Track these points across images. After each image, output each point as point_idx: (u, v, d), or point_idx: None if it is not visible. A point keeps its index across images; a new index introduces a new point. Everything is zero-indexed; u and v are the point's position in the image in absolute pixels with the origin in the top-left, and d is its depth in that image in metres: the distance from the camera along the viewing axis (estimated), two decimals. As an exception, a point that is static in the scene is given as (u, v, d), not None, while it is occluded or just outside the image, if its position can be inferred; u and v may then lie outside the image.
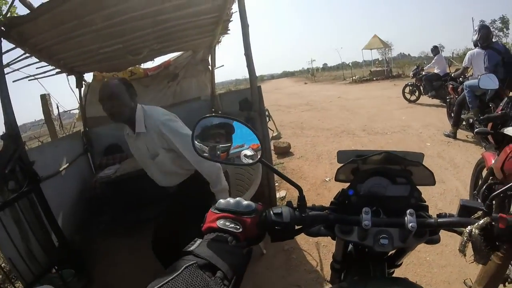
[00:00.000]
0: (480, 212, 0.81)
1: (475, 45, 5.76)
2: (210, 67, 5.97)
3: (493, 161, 2.57)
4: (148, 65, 5.59)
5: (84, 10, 2.85)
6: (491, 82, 2.94)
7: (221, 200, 0.83)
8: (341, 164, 0.93)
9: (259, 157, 0.94)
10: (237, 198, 0.84)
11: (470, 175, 3.17)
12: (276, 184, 4.53)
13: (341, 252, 0.99)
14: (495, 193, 0.83)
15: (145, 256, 3.21)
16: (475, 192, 2.97)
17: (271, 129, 4.47)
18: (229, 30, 4.52)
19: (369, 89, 17.30)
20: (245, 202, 0.83)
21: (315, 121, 9.57)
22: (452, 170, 4.54)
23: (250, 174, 2.85)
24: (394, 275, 1.04)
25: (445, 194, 3.81)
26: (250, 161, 0.96)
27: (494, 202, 0.81)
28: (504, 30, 35.76)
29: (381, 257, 0.89)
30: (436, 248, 2.71)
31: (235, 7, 3.52)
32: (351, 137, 7.18)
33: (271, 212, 0.83)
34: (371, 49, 29.31)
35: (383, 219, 0.84)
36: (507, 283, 1.97)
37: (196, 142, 0.96)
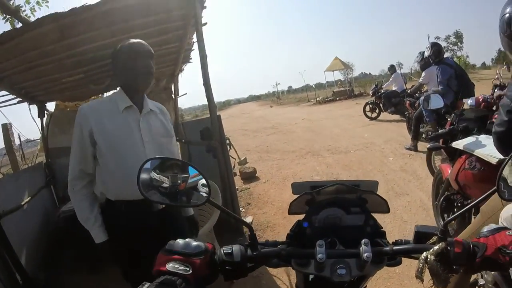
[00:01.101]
0: (435, 238, 0.83)
1: (421, 65, 6.25)
2: (173, 95, 5.98)
3: (448, 172, 2.70)
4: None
5: (45, 40, 2.82)
6: (438, 101, 3.09)
7: (171, 242, 0.83)
8: (296, 196, 0.94)
9: (206, 197, 0.93)
10: (187, 239, 0.84)
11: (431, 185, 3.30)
12: (243, 210, 4.55)
13: (303, 282, 0.97)
14: (448, 219, 0.87)
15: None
16: (436, 203, 3.09)
17: (232, 157, 4.50)
18: (191, 58, 4.59)
19: (332, 109, 17.82)
20: (194, 243, 0.83)
21: (280, 144, 9.67)
22: (415, 182, 4.71)
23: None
24: None
25: (410, 206, 3.93)
26: (201, 201, 0.94)
27: (448, 223, 0.85)
28: (458, 44, 37.97)
29: (342, 285, 0.87)
30: (405, 260, 2.76)
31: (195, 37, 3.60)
32: (316, 157, 7.32)
33: (222, 251, 0.84)
34: (333, 71, 30.29)
35: (338, 251, 0.85)
36: (476, 287, 1.99)
37: (153, 173, 0.94)
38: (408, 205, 3.97)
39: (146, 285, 0.71)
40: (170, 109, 6.00)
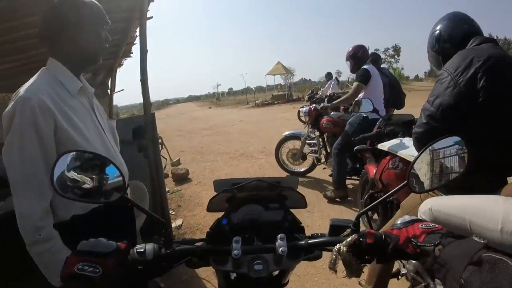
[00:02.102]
0: (348, 230, 0.86)
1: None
2: (109, 91, 5.70)
3: (374, 172, 2.86)
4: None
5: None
6: (367, 105, 3.26)
7: (83, 242, 0.78)
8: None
9: (121, 193, 0.88)
10: (99, 238, 0.79)
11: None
12: (173, 213, 4.45)
13: (224, 281, 0.96)
14: (360, 212, 0.90)
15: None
16: (361, 200, 3.26)
17: (164, 157, 4.39)
18: (132, 53, 4.42)
19: (270, 112, 18.13)
20: (105, 242, 0.78)
21: (215, 146, 9.60)
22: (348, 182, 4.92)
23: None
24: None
25: (338, 206, 4.17)
26: (114, 197, 0.88)
27: (361, 219, 0.88)
28: (396, 56, 40.74)
29: (262, 281, 0.86)
30: (330, 256, 2.88)
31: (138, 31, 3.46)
32: (249, 159, 7.40)
33: (134, 250, 0.80)
34: (274, 75, 30.90)
35: (254, 246, 0.86)
36: (399, 276, 2.12)
37: (73, 173, 0.86)
38: (336, 204, 4.20)
39: None
40: (105, 105, 5.71)
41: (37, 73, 1.33)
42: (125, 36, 3.72)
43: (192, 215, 4.45)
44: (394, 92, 5.70)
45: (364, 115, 4.02)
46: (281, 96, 26.16)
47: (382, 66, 6.30)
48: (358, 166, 4.46)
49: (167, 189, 4.81)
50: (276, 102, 24.84)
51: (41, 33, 1.36)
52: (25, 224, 1.24)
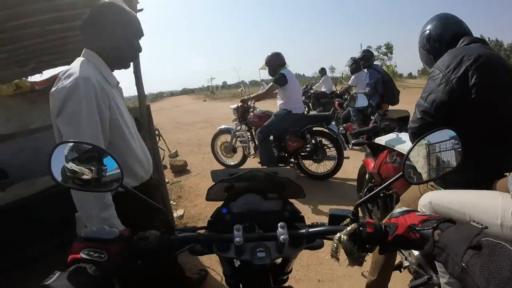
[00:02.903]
0: (348, 220, 0.89)
1: (352, 68, 6.77)
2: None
3: (372, 166, 2.92)
4: (36, 78, 5.11)
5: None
6: (362, 100, 3.34)
7: (87, 229, 0.80)
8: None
9: (119, 183, 0.89)
10: (103, 226, 0.82)
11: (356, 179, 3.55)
12: (174, 203, 4.50)
13: (228, 268, 1.00)
14: (358, 202, 0.93)
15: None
16: (361, 193, 3.32)
17: (162, 149, 4.43)
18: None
19: (264, 106, 17.98)
20: (109, 229, 0.81)
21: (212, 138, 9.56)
22: (342, 175, 5.02)
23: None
24: (293, 276, 1.10)
25: (336, 198, 4.21)
26: (114, 186, 0.90)
27: (362, 206, 0.94)
28: (388, 54, 40.69)
29: (265, 269, 0.91)
30: (331, 244, 2.94)
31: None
32: (246, 151, 7.40)
33: (138, 237, 0.83)
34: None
35: (256, 234, 0.89)
36: (402, 269, 2.18)
37: (72, 164, 0.87)
38: (335, 196, 4.27)
39: (57, 274, 0.68)
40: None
41: (76, 61, 1.52)
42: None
43: (193, 206, 4.50)
44: (387, 88, 5.84)
45: (289, 109, 4.88)
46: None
47: (374, 63, 6.40)
48: (283, 154, 5.05)
49: (166, 180, 4.84)
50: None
51: (83, 25, 1.56)
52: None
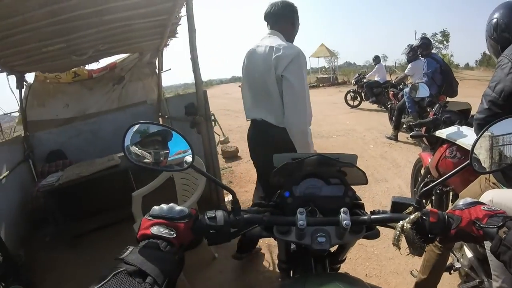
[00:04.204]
0: (411, 208, 0.85)
1: (409, 57, 6.42)
2: (157, 70, 5.85)
3: (429, 161, 2.76)
4: (93, 66, 5.31)
5: (26, 5, 2.69)
6: (423, 91, 3.15)
7: (155, 207, 0.83)
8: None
9: (190, 162, 0.93)
10: (170, 204, 0.84)
11: (411, 173, 3.39)
12: (225, 188, 4.56)
13: (284, 252, 1.01)
14: (428, 186, 0.90)
15: (93, 269, 3.06)
16: (415, 189, 3.17)
17: (217, 134, 4.52)
18: (178, 33, 4.46)
19: (316, 95, 17.75)
20: (178, 208, 0.83)
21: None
22: (394, 169, 4.81)
23: (195, 179, 2.82)
24: (341, 269, 1.08)
25: (388, 192, 4.02)
26: (183, 166, 0.95)
27: (424, 197, 0.88)
28: (444, 42, 38.41)
29: (322, 254, 0.92)
30: (382, 242, 2.86)
31: (184, 11, 3.51)
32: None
33: (205, 216, 0.84)
34: (318, 57, 30.23)
35: (318, 218, 0.87)
36: (452, 271, 2.10)
37: (134, 147, 0.92)
38: (387, 191, 4.06)
39: (130, 249, 0.70)
40: (153, 84, 5.92)
41: (269, 37, 2.21)
42: (170, 16, 3.76)
43: (244, 191, 4.54)
44: (446, 79, 5.47)
45: None
46: (326, 79, 25.47)
47: (432, 52, 6.03)
48: None
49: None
50: (321, 85, 24.25)
51: (277, 13, 2.24)
52: (307, 120, 2.07)
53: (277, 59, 2.02)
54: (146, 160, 0.93)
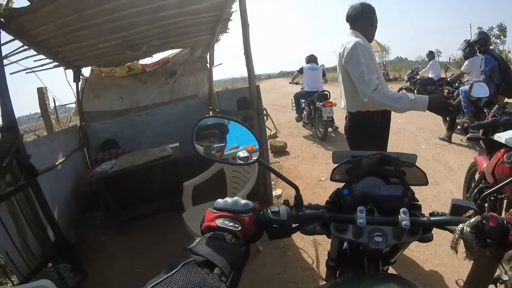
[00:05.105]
0: (471, 211, 0.84)
1: (465, 53, 6.04)
2: (208, 65, 5.97)
3: (484, 165, 2.61)
4: (147, 61, 5.58)
5: (85, 3, 2.85)
6: (482, 90, 2.98)
7: (219, 200, 0.84)
8: (336, 165, 0.95)
9: (257, 157, 0.95)
10: (235, 198, 0.85)
11: (463, 178, 3.22)
12: (272, 182, 4.56)
13: (336, 250, 1.01)
14: (486, 192, 0.87)
15: (140, 253, 3.25)
16: (468, 195, 3.01)
17: (268, 128, 4.55)
18: (229, 28, 4.54)
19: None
20: (243, 201, 0.84)
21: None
22: (446, 173, 4.59)
23: (246, 172, 2.87)
24: (388, 272, 1.06)
25: (439, 196, 3.84)
26: (248, 161, 0.97)
27: (485, 202, 0.84)
28: (502, 37, 35.90)
29: (375, 255, 0.91)
30: (430, 248, 2.77)
31: (235, 7, 3.54)
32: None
33: (269, 210, 0.84)
34: (369, 52, 29.50)
35: (377, 218, 0.86)
36: (498, 283, 2.00)
37: (200, 141, 0.96)
38: (437, 195, 3.87)
39: (197, 239, 0.72)
40: (204, 78, 6.06)
41: (350, 36, 2.48)
42: (222, 12, 3.83)
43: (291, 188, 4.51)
44: (506, 78, 5.09)
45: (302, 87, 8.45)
46: (377, 75, 24.84)
47: (490, 48, 5.64)
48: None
49: (268, 159, 4.95)
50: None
51: (354, 16, 2.53)
52: (373, 83, 2.24)
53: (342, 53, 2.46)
54: (211, 152, 0.97)
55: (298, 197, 0.90)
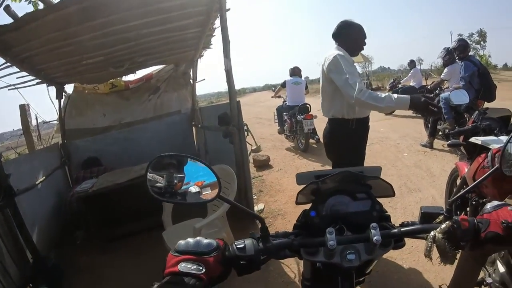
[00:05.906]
0: (441, 217, 0.86)
1: (445, 60, 6.19)
2: (191, 80, 5.98)
3: (466, 171, 2.64)
4: (130, 77, 5.53)
5: (68, 21, 2.82)
6: (462, 97, 3.04)
7: (181, 242, 0.79)
8: (301, 187, 0.95)
9: (216, 193, 0.91)
10: (197, 238, 0.81)
11: (445, 183, 3.26)
12: (255, 197, 4.56)
13: (309, 271, 0.99)
14: (453, 198, 0.89)
15: (121, 273, 3.19)
16: (449, 200, 3.03)
17: (249, 143, 4.57)
18: (212, 44, 4.56)
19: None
20: (205, 241, 0.79)
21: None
22: (429, 179, 4.63)
23: (226, 188, 2.85)
24: (368, 282, 1.06)
25: (421, 202, 3.84)
26: (199, 196, 0.93)
27: (466, 206, 0.86)
28: (482, 42, 36.80)
29: (349, 271, 0.89)
30: (412, 255, 2.79)
31: (217, 23, 3.57)
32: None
33: (235, 246, 0.82)
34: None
35: (348, 237, 0.85)
36: (482, 286, 2.00)
37: (148, 173, 0.94)
38: (420, 201, 3.90)
39: (155, 285, 0.68)
40: (187, 94, 6.06)
41: (332, 50, 2.65)
42: (204, 28, 3.85)
43: (274, 201, 4.54)
44: (484, 82, 5.23)
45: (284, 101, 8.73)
46: (360, 85, 25.21)
47: (469, 53, 5.79)
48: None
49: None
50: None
51: (335, 33, 2.74)
52: (357, 86, 2.35)
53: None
54: (158, 185, 0.95)
55: (264, 228, 0.87)
